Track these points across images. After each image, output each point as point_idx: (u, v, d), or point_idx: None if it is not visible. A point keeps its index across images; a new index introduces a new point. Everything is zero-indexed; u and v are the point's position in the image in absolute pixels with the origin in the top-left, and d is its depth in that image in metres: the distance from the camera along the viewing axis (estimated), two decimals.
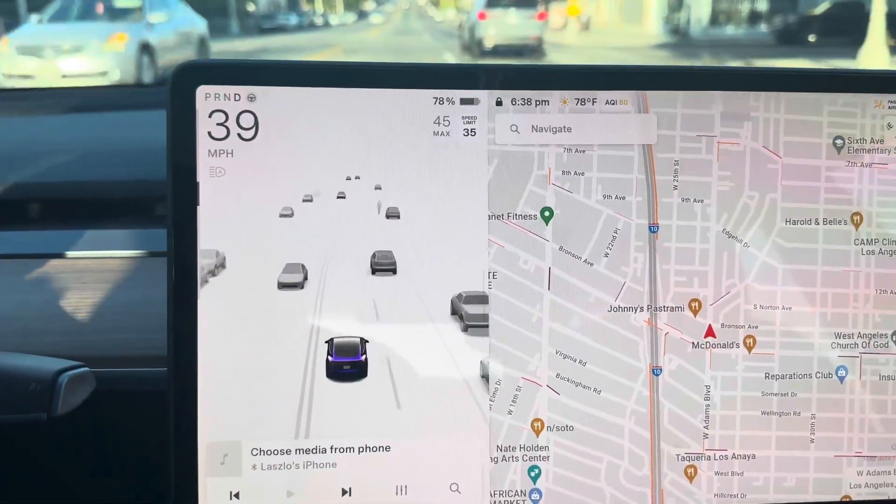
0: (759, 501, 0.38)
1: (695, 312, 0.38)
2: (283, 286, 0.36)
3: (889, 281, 0.39)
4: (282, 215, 0.36)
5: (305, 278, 0.37)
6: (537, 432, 0.38)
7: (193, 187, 0.35)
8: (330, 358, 0.35)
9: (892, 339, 0.39)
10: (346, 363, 0.36)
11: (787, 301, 0.38)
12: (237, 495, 0.35)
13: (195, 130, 0.35)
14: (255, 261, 0.35)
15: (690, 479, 0.38)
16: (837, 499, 0.39)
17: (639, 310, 0.38)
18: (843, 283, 0.39)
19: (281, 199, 0.36)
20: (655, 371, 0.38)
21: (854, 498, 0.39)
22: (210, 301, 0.35)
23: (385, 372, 0.36)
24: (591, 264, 0.38)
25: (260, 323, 0.35)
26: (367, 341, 0.36)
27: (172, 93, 0.34)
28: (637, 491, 0.38)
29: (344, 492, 0.36)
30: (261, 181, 0.35)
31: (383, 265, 0.37)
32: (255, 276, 0.35)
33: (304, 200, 0.36)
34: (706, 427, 0.38)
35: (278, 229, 0.36)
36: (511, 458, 0.37)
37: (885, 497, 0.38)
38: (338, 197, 0.36)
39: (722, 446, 0.38)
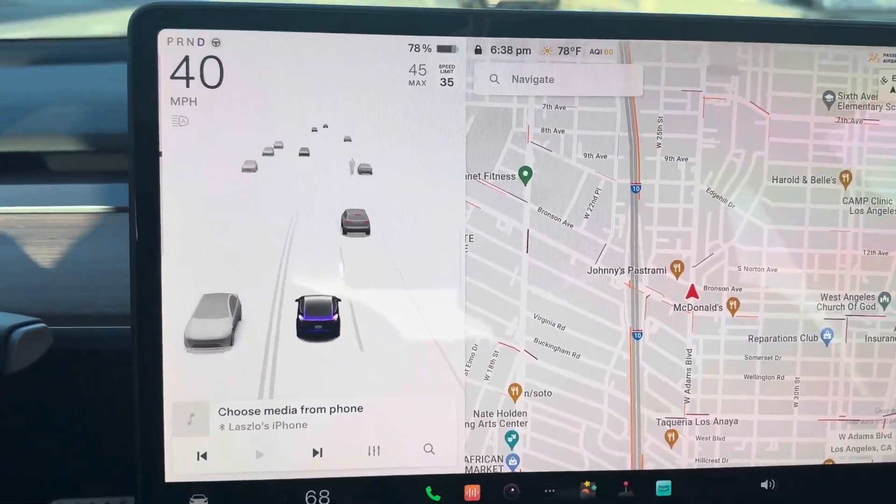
0: (740, 466, 0.40)
1: (677, 274, 0.39)
2: (194, 344, 0.35)
3: (877, 241, 0.40)
4: (244, 170, 0.36)
5: (238, 318, 0.36)
6: (515, 398, 0.39)
7: (155, 137, 0.36)
8: (301, 317, 0.37)
9: (879, 301, 0.40)
10: (318, 322, 0.37)
11: (772, 262, 0.40)
12: (205, 456, 0.36)
13: (157, 77, 0.35)
14: (220, 216, 0.36)
15: (671, 443, 0.40)
16: (820, 463, 0.40)
17: (619, 272, 0.39)
18: (830, 243, 0.40)
19: (246, 151, 0.36)
20: (636, 335, 0.39)
21: (836, 462, 0.40)
22: (174, 257, 0.36)
23: (358, 332, 0.37)
24: (571, 226, 0.39)
25: (223, 280, 0.36)
26: (340, 300, 0.37)
27: (132, 37, 0.35)
28: (616, 456, 0.39)
29: (315, 452, 0.37)
30: (226, 131, 0.36)
31: (356, 225, 0.38)
32: (218, 233, 0.36)
33: (264, 154, 0.36)
34: (687, 391, 0.39)
35: (244, 184, 0.36)
36: (488, 424, 0.39)
37: (868, 461, 0.40)
38: (300, 154, 0.37)
39: (704, 411, 0.40)
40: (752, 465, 0.40)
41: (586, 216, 0.39)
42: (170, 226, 0.36)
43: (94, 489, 0.49)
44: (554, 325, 0.39)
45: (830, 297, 0.40)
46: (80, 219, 0.47)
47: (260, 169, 0.36)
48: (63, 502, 0.51)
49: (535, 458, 0.39)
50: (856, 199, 0.40)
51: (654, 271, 0.39)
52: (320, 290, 0.37)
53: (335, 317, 0.37)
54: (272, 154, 0.36)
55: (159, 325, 0.36)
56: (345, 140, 0.37)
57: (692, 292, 0.39)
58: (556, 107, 0.38)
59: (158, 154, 0.35)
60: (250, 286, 0.36)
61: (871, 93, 0.40)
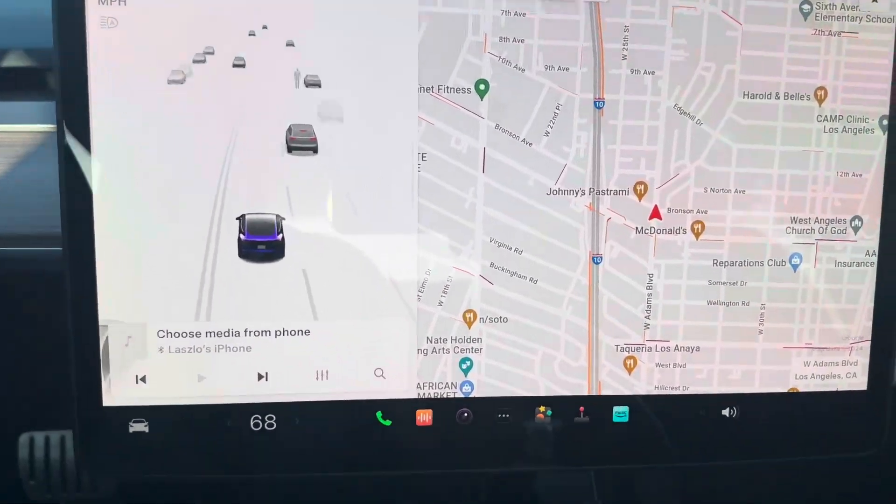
0: (701, 393, 0.40)
1: (640, 196, 0.38)
2: None
3: (852, 162, 0.39)
4: (171, 81, 0.35)
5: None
6: (469, 324, 0.38)
7: (83, 40, 0.34)
8: (242, 236, 0.36)
9: (850, 224, 0.39)
10: (261, 242, 0.36)
11: (740, 184, 0.38)
12: (144, 379, 0.36)
13: None
14: (152, 129, 0.34)
15: (629, 370, 0.39)
16: (784, 391, 0.40)
17: (580, 193, 0.38)
18: (802, 164, 0.39)
19: (177, 57, 0.34)
20: (595, 259, 0.39)
21: (801, 389, 0.40)
22: (105, 174, 0.35)
23: (304, 254, 0.36)
24: (530, 144, 0.38)
25: (158, 198, 0.35)
26: (284, 219, 0.36)
27: None
28: (573, 382, 0.39)
29: (260, 376, 0.37)
30: (157, 34, 0.34)
31: (301, 143, 0.37)
32: (151, 146, 0.35)
33: (195, 61, 0.34)
34: (648, 317, 0.39)
35: (174, 95, 0.35)
36: (441, 351, 0.38)
37: (833, 388, 0.40)
38: (235, 65, 0.35)
39: (664, 337, 0.39)
40: (714, 392, 0.40)
41: (546, 134, 0.37)
42: (100, 140, 0.34)
43: (63, 421, 0.49)
44: (511, 249, 0.38)
45: (800, 220, 0.39)
46: (14, 138, 0.46)
47: (190, 78, 0.35)
48: (32, 435, 0.52)
49: (489, 384, 0.39)
50: (830, 117, 0.38)
51: (616, 193, 0.38)
52: (263, 210, 0.36)
53: (279, 236, 0.36)
54: (203, 61, 0.35)
55: (92, 243, 0.35)
56: (287, 45, 0.35)
57: (655, 214, 0.38)
58: (516, 13, 0.36)
59: (86, 59, 0.34)
60: (186, 202, 0.35)
61: (851, 3, 0.38)
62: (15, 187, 0.44)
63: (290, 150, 0.36)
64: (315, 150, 0.36)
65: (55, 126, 0.47)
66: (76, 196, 0.35)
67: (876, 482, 0.54)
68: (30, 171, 0.45)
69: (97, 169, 0.34)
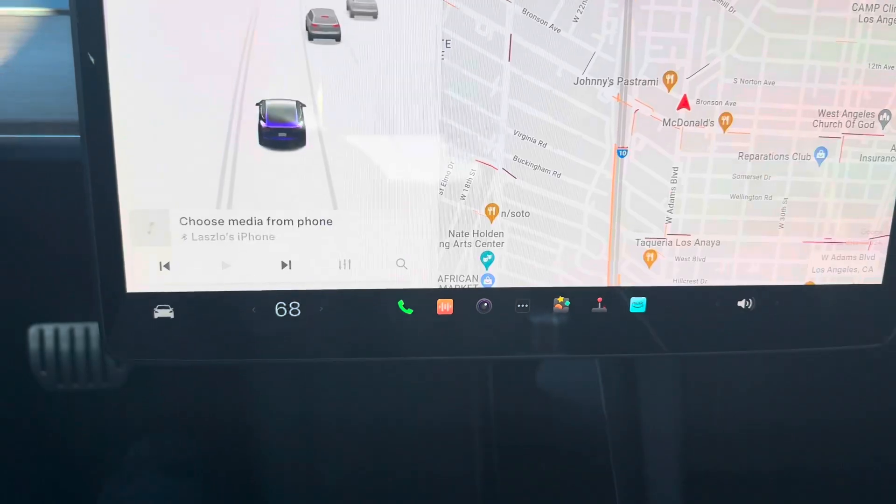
0: (718, 285, 0.41)
1: (669, 86, 0.38)
2: None
3: (885, 54, 0.38)
4: None
5: None
6: (491, 218, 0.39)
7: None
8: (263, 123, 0.35)
9: (878, 118, 0.39)
10: (282, 130, 0.35)
11: (770, 75, 0.38)
12: (167, 266, 0.36)
13: None
14: (167, 14, 0.33)
15: (649, 264, 0.40)
16: (801, 283, 0.41)
17: (608, 83, 0.38)
18: (833, 55, 0.38)
19: None
20: (620, 152, 0.38)
21: (817, 283, 0.41)
22: (121, 59, 0.34)
23: (326, 143, 0.36)
24: (558, 30, 0.37)
25: (176, 83, 0.34)
26: (305, 105, 0.36)
27: None
28: (592, 275, 0.40)
29: (284, 264, 0.37)
30: None
31: (323, 30, 0.36)
32: (168, 30, 0.34)
33: None
34: (670, 211, 0.39)
35: None
36: (463, 244, 0.39)
37: (848, 282, 0.41)
38: None
39: (685, 231, 0.40)
40: (732, 285, 0.40)
41: (575, 19, 0.36)
42: (116, 26, 0.33)
43: (71, 313, 0.50)
44: (535, 141, 0.38)
45: (828, 113, 0.39)
46: (22, 22, 0.44)
47: None
48: (42, 327, 0.53)
49: (510, 277, 0.39)
50: (866, 5, 0.38)
51: (644, 83, 0.37)
52: (284, 97, 0.36)
53: (300, 124, 0.36)
54: None
55: (110, 129, 0.34)
56: None
57: (684, 104, 0.38)
58: None
59: None
60: (205, 89, 0.34)
61: None
62: (23, 73, 0.43)
63: (311, 37, 0.35)
64: (338, 39, 0.35)
65: (55, 10, 0.46)
66: (92, 84, 0.34)
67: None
68: (37, 57, 0.43)
69: (113, 56, 0.33)
